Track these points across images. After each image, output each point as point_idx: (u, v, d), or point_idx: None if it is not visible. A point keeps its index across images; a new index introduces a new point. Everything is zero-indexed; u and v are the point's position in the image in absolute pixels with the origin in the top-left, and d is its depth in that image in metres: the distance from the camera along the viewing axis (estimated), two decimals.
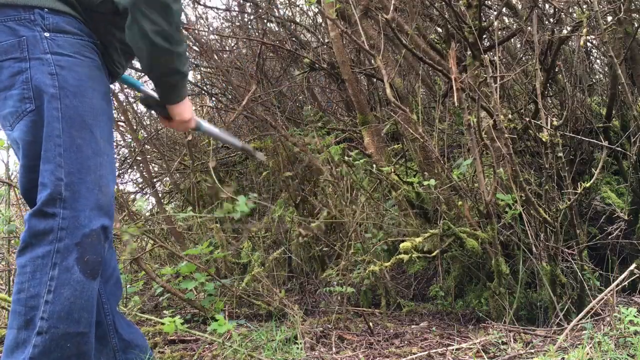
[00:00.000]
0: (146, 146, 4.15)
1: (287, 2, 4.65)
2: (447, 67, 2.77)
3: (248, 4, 4.46)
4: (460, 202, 2.72)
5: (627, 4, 2.91)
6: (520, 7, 3.46)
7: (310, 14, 4.61)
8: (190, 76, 4.75)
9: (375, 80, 3.89)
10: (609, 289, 2.05)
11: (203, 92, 4.49)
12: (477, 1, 2.81)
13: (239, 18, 4.57)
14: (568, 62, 3.33)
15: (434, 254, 2.52)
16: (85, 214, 1.40)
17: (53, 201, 1.37)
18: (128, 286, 2.66)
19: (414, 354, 1.98)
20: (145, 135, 4.10)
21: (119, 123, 4.08)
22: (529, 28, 2.96)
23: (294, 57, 3.96)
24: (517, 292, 2.40)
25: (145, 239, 3.75)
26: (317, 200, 3.19)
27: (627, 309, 1.85)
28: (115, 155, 4.58)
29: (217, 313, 2.51)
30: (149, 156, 4.51)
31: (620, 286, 2.05)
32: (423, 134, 2.62)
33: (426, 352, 1.96)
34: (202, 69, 4.35)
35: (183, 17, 4.71)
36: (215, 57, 3.97)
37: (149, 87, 1.81)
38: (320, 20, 4.32)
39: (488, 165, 2.87)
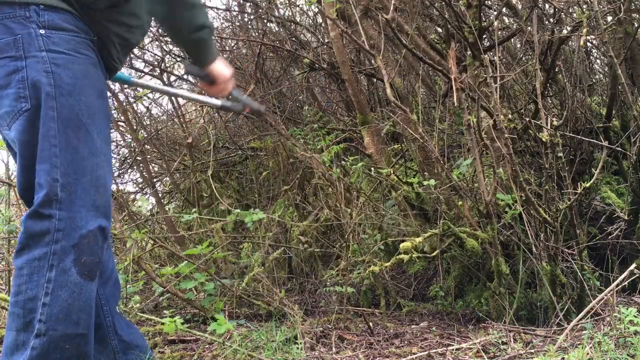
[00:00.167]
0: (146, 146, 4.15)
1: (287, 2, 4.65)
2: (447, 67, 2.77)
3: (248, 4, 4.46)
4: (460, 202, 2.72)
5: (627, 4, 2.91)
6: (520, 7, 3.46)
7: (310, 14, 4.61)
8: (191, 76, 4.75)
9: (375, 80, 3.89)
10: (609, 289, 2.05)
11: (203, 92, 4.48)
12: (477, 1, 2.81)
13: (239, 18, 4.58)
14: (568, 62, 3.33)
15: (433, 254, 2.52)
16: (81, 215, 1.38)
17: (49, 202, 1.36)
18: (128, 286, 2.66)
19: (414, 354, 1.98)
20: (145, 135, 4.10)
21: (119, 123, 4.08)
22: (529, 28, 2.96)
23: (294, 57, 3.96)
24: (517, 292, 2.40)
25: (145, 239, 3.75)
26: (316, 200, 3.19)
27: (627, 309, 1.85)
28: (116, 155, 4.61)
29: (217, 313, 2.51)
30: (149, 156, 4.51)
31: (620, 286, 2.05)
32: (423, 134, 2.62)
33: (426, 352, 1.96)
34: None
35: None
36: None
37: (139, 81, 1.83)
38: (320, 20, 4.32)
39: (488, 165, 2.87)
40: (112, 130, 4.16)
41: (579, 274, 2.29)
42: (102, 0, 1.49)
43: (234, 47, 4.43)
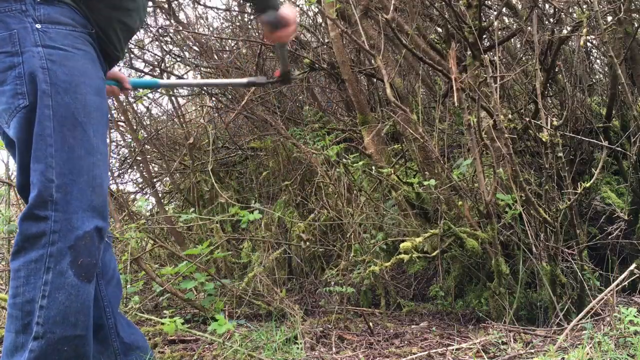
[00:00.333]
0: (146, 146, 4.15)
1: (287, 2, 4.64)
2: (447, 67, 2.77)
3: (248, 4, 4.45)
4: (460, 202, 2.72)
5: (627, 4, 2.91)
6: (520, 7, 3.46)
7: (310, 14, 4.61)
8: (190, 76, 4.75)
9: (375, 80, 3.89)
10: (609, 289, 2.05)
11: (203, 92, 4.49)
12: (477, 1, 2.81)
13: (239, 18, 4.58)
14: (568, 62, 3.33)
15: (434, 254, 2.52)
16: (78, 216, 1.36)
17: (44, 204, 1.33)
18: (128, 286, 2.66)
19: (414, 354, 1.98)
20: (145, 135, 4.10)
21: (119, 123, 4.08)
22: (529, 28, 2.96)
23: (294, 57, 3.96)
24: (517, 292, 2.40)
25: (145, 239, 3.75)
26: (317, 199, 3.19)
27: (627, 309, 1.85)
28: (116, 155, 4.61)
29: (217, 313, 2.51)
30: (149, 156, 4.51)
31: (620, 286, 2.05)
32: (423, 134, 2.62)
33: (426, 352, 1.96)
34: (202, 69, 4.35)
35: (183, 17, 4.70)
36: (215, 57, 3.98)
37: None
38: (320, 20, 4.31)
39: (488, 165, 2.87)
40: (112, 130, 4.17)
41: (579, 274, 2.29)
42: None
43: (234, 47, 4.43)
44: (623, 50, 2.91)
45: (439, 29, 3.82)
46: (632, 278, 2.07)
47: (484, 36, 3.18)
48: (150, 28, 4.28)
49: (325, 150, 2.98)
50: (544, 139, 2.36)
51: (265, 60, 4.18)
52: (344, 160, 3.02)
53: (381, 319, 2.66)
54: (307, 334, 2.22)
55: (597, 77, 3.97)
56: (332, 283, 2.65)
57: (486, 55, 2.51)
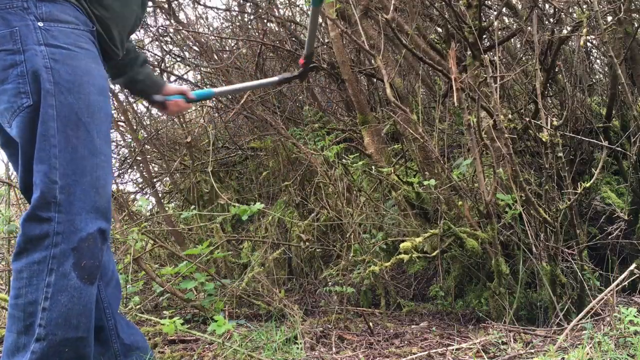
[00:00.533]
0: (146, 146, 4.15)
1: (287, 2, 4.65)
2: (447, 67, 2.77)
3: (248, 4, 4.46)
4: (460, 202, 2.72)
5: (627, 4, 2.91)
6: (520, 7, 3.46)
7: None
8: (190, 76, 4.75)
9: (375, 80, 3.89)
10: (609, 289, 2.05)
11: None
12: (477, 1, 2.81)
13: (239, 18, 4.58)
14: (568, 62, 3.33)
15: (434, 254, 2.52)
16: (81, 217, 1.35)
17: (47, 205, 1.33)
18: (128, 286, 2.66)
19: (414, 354, 1.98)
20: (145, 135, 4.10)
21: (119, 123, 4.08)
22: (529, 28, 2.96)
23: (294, 57, 3.96)
24: (517, 292, 2.40)
25: (145, 239, 3.75)
26: (317, 200, 3.19)
27: (627, 309, 1.85)
28: (116, 155, 4.61)
29: (217, 313, 2.51)
30: (149, 156, 4.51)
31: (620, 286, 2.05)
32: (423, 134, 2.62)
33: (426, 352, 1.96)
34: (202, 69, 4.35)
35: (183, 17, 4.70)
36: (215, 57, 3.98)
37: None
38: (320, 20, 4.31)
39: (488, 165, 2.87)
40: (112, 130, 4.17)
41: (579, 274, 2.29)
42: None
43: (234, 47, 4.43)
44: (623, 50, 2.91)
45: (439, 29, 3.82)
46: (632, 278, 2.07)
47: (484, 36, 3.19)
48: (150, 28, 4.28)
49: (325, 151, 2.99)
50: (544, 139, 2.36)
51: (265, 60, 4.18)
52: (343, 160, 3.02)
53: (381, 319, 2.66)
54: (307, 334, 2.22)
55: (597, 77, 3.98)
56: (332, 283, 2.65)
57: (486, 55, 2.51)
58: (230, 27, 4.66)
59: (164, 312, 2.76)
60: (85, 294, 1.37)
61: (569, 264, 2.37)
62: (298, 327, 2.22)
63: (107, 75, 1.56)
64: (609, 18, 3.19)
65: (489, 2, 3.73)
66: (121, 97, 3.96)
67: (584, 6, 3.10)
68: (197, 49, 4.08)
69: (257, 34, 4.36)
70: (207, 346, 2.23)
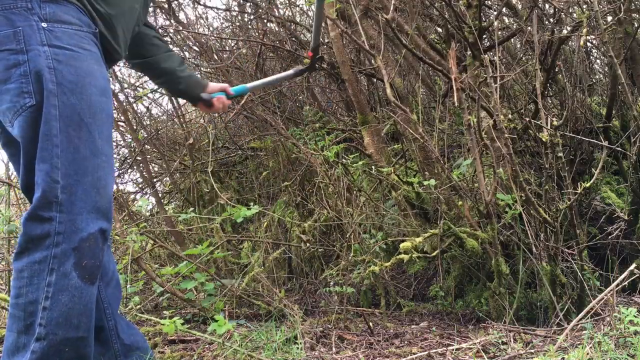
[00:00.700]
0: (146, 146, 4.15)
1: (287, 2, 4.65)
2: (447, 67, 2.77)
3: (248, 4, 4.46)
4: (460, 202, 2.72)
5: (627, 4, 2.91)
6: (520, 7, 3.46)
7: (310, 14, 4.61)
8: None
9: (375, 80, 3.89)
10: (609, 289, 2.05)
11: None
12: (477, 1, 2.81)
13: (239, 18, 4.58)
14: (568, 62, 3.33)
15: (434, 254, 2.52)
16: (82, 217, 1.36)
17: (49, 204, 1.33)
18: (128, 286, 2.66)
19: (414, 354, 1.98)
20: (145, 135, 4.10)
21: (119, 123, 4.08)
22: (529, 28, 2.96)
23: (294, 57, 3.96)
24: (517, 292, 2.40)
25: (145, 239, 3.75)
26: (317, 200, 3.19)
27: (627, 309, 1.85)
28: (116, 155, 4.61)
29: (217, 313, 2.51)
30: (149, 156, 4.51)
31: (620, 286, 2.05)
32: (423, 134, 2.62)
33: (426, 352, 1.96)
34: (202, 69, 4.35)
35: (183, 17, 4.69)
36: (216, 57, 3.98)
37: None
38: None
39: (488, 165, 2.87)
40: (112, 130, 4.16)
41: (579, 274, 2.29)
42: None
43: (234, 47, 4.43)
44: (623, 50, 2.91)
45: (439, 29, 3.82)
46: (632, 278, 2.07)
47: (484, 36, 3.19)
48: None
49: (325, 151, 2.99)
50: (544, 139, 2.36)
51: (265, 60, 4.18)
52: (343, 160, 3.02)
53: (381, 319, 2.66)
54: (307, 334, 2.22)
55: (597, 77, 3.98)
56: (332, 283, 2.65)
57: (486, 55, 2.51)
58: (230, 27, 4.66)
59: (164, 312, 2.76)
60: (86, 293, 1.37)
61: (569, 264, 2.37)
62: (298, 327, 2.22)
63: (108, 76, 1.56)
64: (609, 18, 3.19)
65: (489, 2, 3.73)
66: (121, 97, 3.96)
67: (584, 6, 3.10)
68: (197, 49, 4.08)
69: (257, 34, 4.36)
70: (207, 346, 2.23)
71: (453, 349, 1.98)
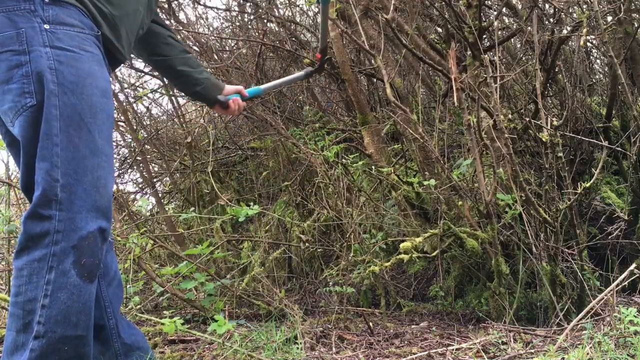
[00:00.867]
0: (146, 146, 4.15)
1: (287, 2, 4.65)
2: (447, 67, 2.77)
3: (248, 4, 4.46)
4: (460, 202, 2.72)
5: (627, 4, 2.91)
6: (520, 7, 3.46)
7: (310, 14, 4.61)
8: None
9: (375, 80, 3.89)
10: (609, 289, 2.05)
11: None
12: (477, 1, 2.81)
13: (239, 18, 4.58)
14: (568, 62, 3.33)
15: (434, 254, 2.52)
16: (81, 216, 1.37)
17: (49, 203, 1.34)
18: (128, 286, 2.66)
19: (414, 354, 1.98)
20: (145, 135, 4.10)
21: (119, 123, 4.09)
22: (529, 28, 2.96)
23: (294, 57, 3.96)
24: (517, 292, 2.40)
25: (146, 240, 3.75)
26: (317, 200, 3.19)
27: (627, 309, 1.85)
28: (116, 155, 4.61)
29: (217, 313, 2.51)
30: (149, 156, 4.52)
31: (620, 286, 2.05)
32: (423, 134, 2.62)
33: (426, 352, 1.96)
34: None
35: (183, 17, 4.69)
36: (216, 57, 3.98)
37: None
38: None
39: (488, 165, 2.87)
40: (112, 130, 4.16)
41: (579, 274, 2.29)
42: None
43: (234, 47, 4.43)
44: (623, 50, 2.91)
45: (439, 29, 3.82)
46: (632, 278, 2.07)
47: (484, 36, 3.19)
48: None
49: (325, 151, 2.99)
50: (544, 139, 2.36)
51: (265, 60, 4.18)
52: (343, 160, 3.02)
53: (381, 319, 2.66)
54: (307, 334, 2.22)
55: (597, 77, 3.98)
56: (332, 283, 2.65)
57: (486, 55, 2.51)
58: (230, 27, 4.66)
59: (164, 312, 2.76)
60: (85, 291, 1.38)
61: (569, 264, 2.37)
62: (298, 327, 2.22)
63: (110, 78, 1.57)
64: (609, 18, 3.19)
65: (489, 2, 3.73)
66: (121, 97, 3.96)
67: (584, 6, 3.10)
68: (197, 49, 4.08)
69: (257, 34, 4.36)
70: (207, 346, 2.23)
71: (453, 349, 1.98)
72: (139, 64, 4.41)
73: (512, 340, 2.04)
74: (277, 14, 4.48)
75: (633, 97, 2.84)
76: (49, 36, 1.38)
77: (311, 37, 4.41)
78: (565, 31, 3.22)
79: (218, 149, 4.40)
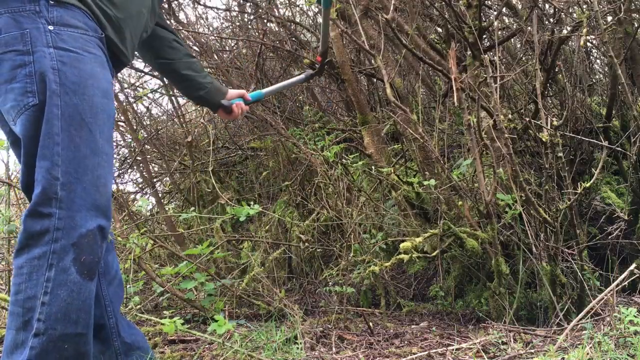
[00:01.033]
0: (146, 146, 4.15)
1: (287, 2, 4.65)
2: (447, 67, 2.77)
3: (248, 4, 4.46)
4: (460, 202, 2.72)
5: (627, 4, 2.91)
6: (520, 7, 3.46)
7: (310, 14, 4.61)
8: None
9: (375, 80, 3.89)
10: (609, 289, 2.05)
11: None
12: (477, 1, 2.81)
13: (239, 18, 4.57)
14: (568, 62, 3.33)
15: (434, 254, 2.52)
16: (81, 214, 1.38)
17: (49, 201, 1.35)
18: (128, 286, 2.66)
19: (414, 354, 1.98)
20: (145, 135, 4.10)
21: (119, 123, 4.08)
22: (529, 28, 2.96)
23: (294, 57, 3.96)
24: (517, 292, 2.40)
25: (146, 240, 3.75)
26: (317, 199, 3.19)
27: (627, 309, 1.85)
28: (116, 155, 4.61)
29: (217, 313, 2.51)
30: (149, 156, 4.51)
31: (620, 286, 2.05)
32: (423, 134, 2.62)
33: (426, 352, 1.96)
34: None
35: (183, 17, 4.70)
36: (215, 57, 3.98)
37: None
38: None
39: (488, 165, 2.87)
40: (112, 131, 4.15)
41: (579, 274, 2.29)
42: None
43: (234, 47, 4.43)
44: (623, 50, 2.91)
45: (439, 29, 3.82)
46: (632, 278, 2.07)
47: (484, 36, 3.18)
48: None
49: (325, 151, 2.99)
50: (544, 139, 2.36)
51: (265, 60, 4.18)
52: (343, 160, 3.02)
53: (381, 319, 2.66)
54: (307, 334, 2.22)
55: (597, 77, 3.98)
56: (332, 283, 2.65)
57: (486, 55, 2.51)
58: (230, 27, 4.66)
59: (164, 312, 2.76)
60: (85, 289, 1.38)
61: (569, 264, 2.37)
62: (298, 327, 2.23)
63: (112, 79, 1.58)
64: (609, 18, 3.19)
65: (489, 2, 3.73)
66: (121, 97, 3.96)
67: (584, 6, 3.10)
68: (197, 49, 4.08)
69: (257, 34, 4.36)
70: (207, 346, 2.23)
71: (453, 349, 1.98)
72: (139, 63, 4.41)
73: (512, 340, 2.04)
74: (277, 14, 4.47)
75: (633, 97, 2.84)
76: (53, 37, 1.39)
77: (311, 37, 4.41)
78: (565, 31, 3.22)
79: (218, 149, 4.40)
